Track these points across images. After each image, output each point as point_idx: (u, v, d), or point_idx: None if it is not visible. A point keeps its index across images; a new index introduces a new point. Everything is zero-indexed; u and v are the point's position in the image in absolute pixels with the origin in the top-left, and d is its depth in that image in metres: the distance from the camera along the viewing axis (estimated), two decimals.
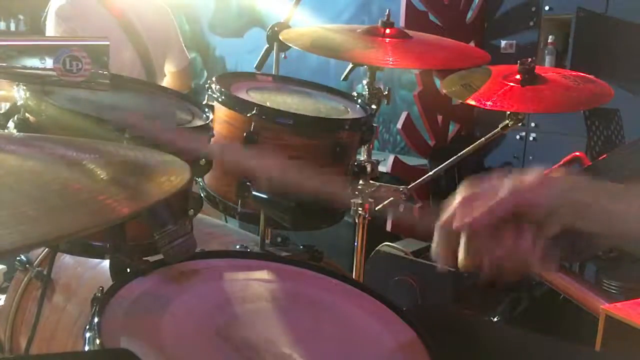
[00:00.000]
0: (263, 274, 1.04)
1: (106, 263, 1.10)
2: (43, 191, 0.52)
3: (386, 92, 1.63)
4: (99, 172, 0.59)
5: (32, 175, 0.56)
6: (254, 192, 1.25)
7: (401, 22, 3.00)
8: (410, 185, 1.82)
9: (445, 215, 0.76)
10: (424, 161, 3.45)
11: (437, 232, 0.77)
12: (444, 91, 1.78)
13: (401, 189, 1.72)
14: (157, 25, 2.42)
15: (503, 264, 0.73)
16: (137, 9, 2.33)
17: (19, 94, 1.06)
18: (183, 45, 2.57)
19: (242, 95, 1.37)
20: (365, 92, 1.59)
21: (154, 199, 0.51)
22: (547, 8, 3.12)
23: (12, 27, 5.53)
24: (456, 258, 0.76)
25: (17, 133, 1.02)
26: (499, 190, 0.74)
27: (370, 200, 1.62)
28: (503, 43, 3.30)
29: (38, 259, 1.46)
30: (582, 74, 1.75)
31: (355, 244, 1.67)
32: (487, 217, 0.73)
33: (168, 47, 2.48)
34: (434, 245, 0.77)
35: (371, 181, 1.60)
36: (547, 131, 3.14)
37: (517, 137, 3.24)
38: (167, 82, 2.54)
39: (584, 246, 0.76)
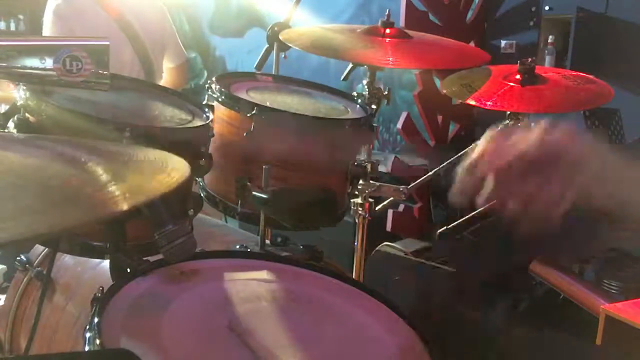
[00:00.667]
0: (263, 274, 1.04)
1: (106, 263, 1.10)
2: (45, 187, 0.53)
3: (386, 92, 1.62)
4: (98, 169, 0.59)
5: (33, 171, 0.56)
6: (254, 192, 1.25)
7: (401, 22, 3.00)
8: (410, 185, 1.82)
9: (474, 155, 0.75)
10: (424, 161, 3.45)
11: (462, 171, 0.76)
12: (444, 91, 1.78)
13: (401, 189, 1.72)
14: (154, 23, 2.42)
15: (527, 208, 0.73)
16: (133, 7, 2.33)
17: (19, 94, 1.06)
18: (179, 41, 2.57)
19: (242, 95, 1.37)
20: (365, 92, 1.59)
21: (153, 195, 0.51)
22: (547, 8, 3.12)
23: (12, 27, 5.53)
24: (474, 198, 0.75)
25: (17, 133, 1.02)
26: (528, 135, 0.73)
27: (370, 200, 1.63)
28: (503, 43, 3.30)
29: (38, 259, 1.46)
30: (582, 74, 1.75)
31: (355, 244, 1.67)
32: (514, 160, 0.72)
33: (165, 43, 2.48)
34: (457, 179, 0.76)
35: (371, 181, 1.60)
36: None
37: None
38: (164, 78, 2.55)
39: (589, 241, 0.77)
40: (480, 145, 0.76)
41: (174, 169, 0.59)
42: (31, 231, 0.42)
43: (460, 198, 0.75)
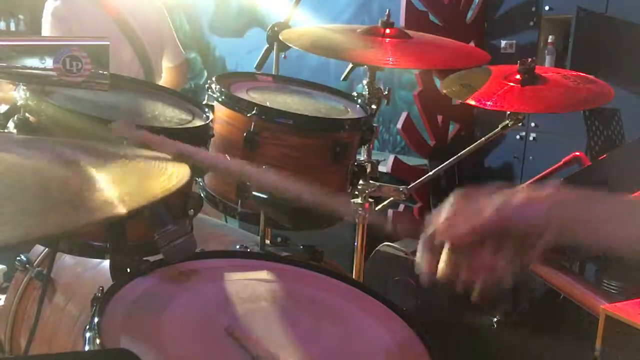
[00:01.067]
0: (263, 274, 1.04)
1: (106, 263, 1.09)
2: (43, 188, 0.53)
3: (386, 92, 1.63)
4: (97, 172, 0.59)
5: (33, 173, 0.56)
6: (254, 192, 1.25)
7: (401, 22, 3.00)
8: (410, 185, 1.82)
9: (431, 228, 0.78)
10: (424, 161, 3.45)
11: (421, 243, 0.79)
12: (444, 91, 1.78)
13: (401, 189, 1.72)
14: (152, 23, 2.42)
15: (477, 279, 0.76)
16: (131, 7, 2.33)
17: (19, 94, 1.06)
18: (177, 40, 2.57)
19: (242, 95, 1.37)
20: (365, 92, 1.59)
21: (152, 198, 0.51)
22: (547, 8, 3.12)
23: (12, 27, 5.53)
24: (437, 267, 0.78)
25: (17, 134, 1.02)
26: (486, 208, 0.76)
27: (370, 200, 1.63)
28: (503, 43, 3.30)
29: (38, 259, 1.46)
30: (582, 74, 1.75)
31: (355, 244, 1.67)
32: (469, 234, 0.75)
33: (163, 43, 2.49)
34: (418, 254, 0.80)
35: (371, 181, 1.60)
36: (547, 131, 3.14)
37: (517, 137, 3.24)
38: (163, 78, 2.55)
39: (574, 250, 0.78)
40: (439, 215, 0.79)
41: (174, 171, 0.59)
42: (29, 233, 0.42)
43: (423, 269, 0.79)
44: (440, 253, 0.77)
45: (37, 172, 0.57)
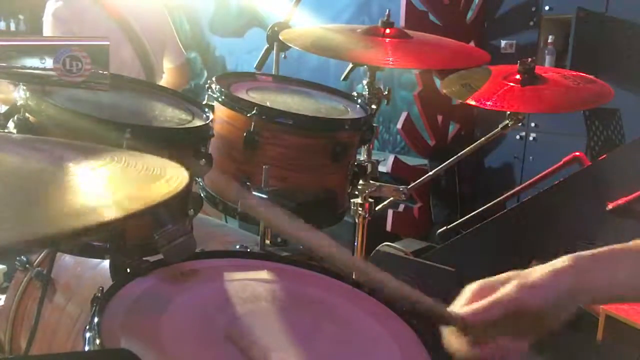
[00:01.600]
0: (263, 274, 1.04)
1: (106, 263, 1.09)
2: (42, 192, 0.52)
3: (386, 92, 1.63)
4: (96, 176, 0.58)
5: (31, 175, 0.56)
6: (254, 192, 1.25)
7: (401, 22, 3.01)
8: (410, 185, 1.82)
9: (456, 304, 0.81)
10: (424, 161, 3.45)
11: (446, 331, 0.82)
12: (444, 91, 1.78)
13: (401, 189, 1.72)
14: (153, 23, 2.42)
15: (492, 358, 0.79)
16: (133, 7, 2.33)
17: (19, 94, 1.06)
18: (178, 41, 2.58)
19: (242, 95, 1.37)
20: (365, 92, 1.59)
21: (151, 204, 0.51)
22: (547, 8, 3.12)
23: (12, 27, 5.53)
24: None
25: (16, 134, 1.02)
26: (502, 290, 0.78)
27: (370, 200, 1.63)
28: (503, 43, 3.31)
29: (38, 259, 1.46)
30: (582, 74, 1.75)
31: (355, 244, 1.67)
32: (485, 314, 0.77)
33: (164, 44, 2.49)
34: (445, 337, 0.83)
35: (371, 181, 1.60)
36: (547, 131, 3.14)
37: (517, 137, 3.24)
38: (164, 78, 2.55)
39: None
40: (462, 296, 0.82)
41: (173, 176, 0.59)
42: (24, 239, 0.41)
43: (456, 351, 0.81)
44: (465, 335, 0.79)
45: (34, 174, 0.56)
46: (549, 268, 0.77)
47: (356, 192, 1.58)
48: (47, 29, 2.24)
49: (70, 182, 0.56)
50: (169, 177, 0.59)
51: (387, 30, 1.59)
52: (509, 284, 0.78)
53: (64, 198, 0.51)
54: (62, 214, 0.47)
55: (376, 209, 1.67)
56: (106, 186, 0.57)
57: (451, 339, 0.81)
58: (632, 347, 1.42)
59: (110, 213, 0.47)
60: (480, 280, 0.82)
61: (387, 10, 1.64)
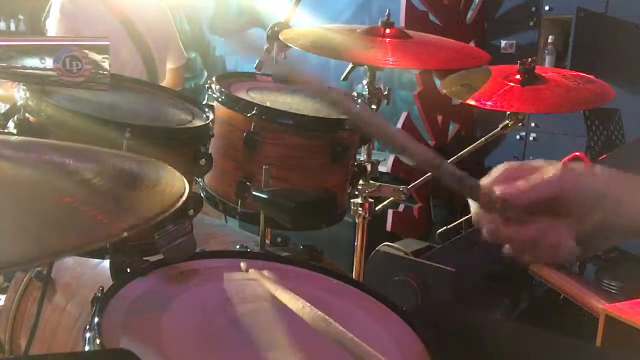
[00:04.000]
0: (263, 274, 1.04)
1: (106, 263, 1.09)
2: (41, 204, 0.50)
3: (386, 92, 1.63)
4: (96, 184, 0.58)
5: (29, 185, 0.54)
6: (254, 192, 1.25)
7: (401, 22, 3.00)
8: (410, 185, 1.82)
9: (485, 183, 0.75)
10: None
11: (473, 202, 0.75)
12: (444, 91, 1.78)
13: (401, 189, 1.72)
14: (157, 24, 2.43)
15: (528, 250, 0.73)
16: (137, 8, 2.34)
17: (19, 94, 1.06)
18: (180, 42, 2.58)
19: (242, 95, 1.37)
20: (365, 92, 1.59)
21: (150, 216, 0.50)
22: (547, 8, 3.12)
23: (12, 27, 5.53)
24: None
25: (15, 137, 1.02)
26: (548, 171, 0.72)
27: (370, 200, 1.63)
28: (503, 43, 3.30)
29: None
30: (582, 74, 1.75)
31: (355, 244, 1.67)
32: (529, 194, 0.71)
33: (168, 45, 2.50)
34: (473, 210, 0.76)
35: (371, 181, 1.60)
36: (547, 131, 3.14)
37: (517, 137, 3.24)
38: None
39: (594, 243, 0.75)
40: (494, 173, 0.76)
41: (171, 183, 0.58)
42: (24, 257, 0.40)
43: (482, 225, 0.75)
44: (496, 211, 0.73)
45: (33, 184, 0.54)
46: (584, 164, 0.74)
47: (356, 192, 1.58)
48: (53, 25, 2.24)
49: (69, 191, 0.55)
50: (169, 187, 0.58)
51: (387, 30, 1.60)
52: (551, 167, 0.72)
53: (62, 214, 0.50)
54: (60, 232, 0.46)
55: (376, 209, 1.67)
56: (106, 196, 0.56)
57: (482, 215, 0.74)
58: (632, 347, 1.42)
59: (110, 229, 0.46)
60: (507, 163, 0.76)
61: (387, 10, 1.64)
